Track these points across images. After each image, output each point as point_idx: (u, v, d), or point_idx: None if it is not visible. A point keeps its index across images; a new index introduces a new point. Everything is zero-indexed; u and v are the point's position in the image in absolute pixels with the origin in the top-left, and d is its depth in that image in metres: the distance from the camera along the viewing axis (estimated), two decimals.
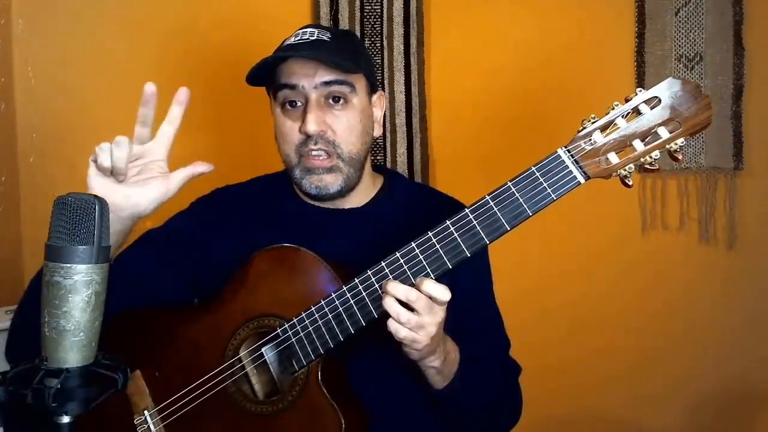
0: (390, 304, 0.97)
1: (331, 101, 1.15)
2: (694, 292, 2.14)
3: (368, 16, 2.18)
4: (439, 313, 0.99)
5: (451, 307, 1.01)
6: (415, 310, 0.97)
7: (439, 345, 1.04)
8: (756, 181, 2.10)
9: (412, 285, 0.98)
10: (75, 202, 0.74)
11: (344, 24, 2.16)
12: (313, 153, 1.15)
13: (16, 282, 2.09)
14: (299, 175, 1.18)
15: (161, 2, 2.16)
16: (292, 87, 1.15)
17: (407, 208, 1.26)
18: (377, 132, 1.25)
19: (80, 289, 0.73)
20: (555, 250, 2.15)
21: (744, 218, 2.11)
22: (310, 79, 1.13)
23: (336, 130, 1.15)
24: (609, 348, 2.18)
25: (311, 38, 1.16)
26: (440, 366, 1.06)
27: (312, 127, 1.13)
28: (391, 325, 0.98)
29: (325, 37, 1.17)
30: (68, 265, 0.72)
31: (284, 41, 1.21)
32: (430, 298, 0.97)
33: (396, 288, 0.97)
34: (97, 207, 0.74)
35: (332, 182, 1.17)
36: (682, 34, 2.09)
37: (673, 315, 2.15)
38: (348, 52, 1.17)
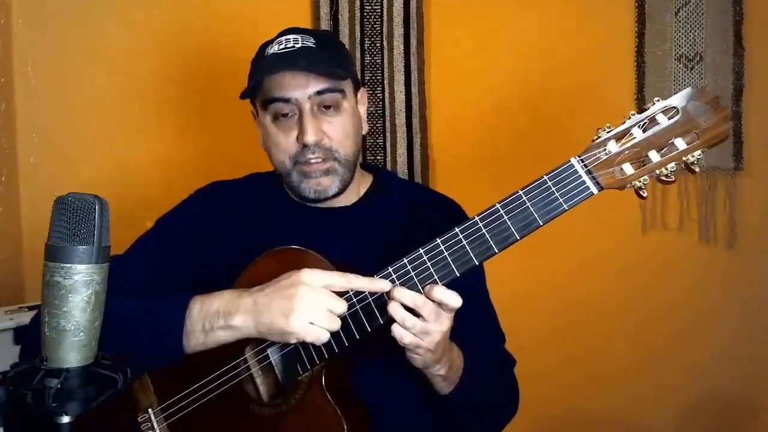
0: (395, 309, 0.97)
1: (324, 108, 1.16)
2: (694, 292, 2.14)
3: (368, 16, 2.17)
4: (445, 322, 0.98)
5: None
6: (421, 316, 0.97)
7: (444, 354, 1.03)
8: (756, 181, 2.09)
9: (419, 291, 0.98)
10: (75, 202, 0.74)
11: (344, 24, 2.16)
12: (311, 159, 1.16)
13: (16, 282, 2.09)
14: (296, 180, 1.18)
15: (161, 2, 2.16)
16: (286, 100, 1.15)
17: (398, 206, 1.27)
18: (364, 129, 1.27)
19: (80, 289, 0.73)
20: (555, 250, 2.14)
21: (744, 218, 2.11)
22: (302, 90, 1.14)
23: (332, 136, 1.16)
24: (609, 348, 2.18)
25: (296, 45, 1.15)
26: (446, 374, 1.06)
27: (311, 138, 1.13)
28: (396, 330, 0.97)
29: (309, 43, 1.16)
30: (68, 265, 0.72)
31: (266, 49, 1.19)
32: (441, 304, 0.97)
33: (402, 293, 0.97)
34: (97, 207, 0.74)
35: (329, 185, 1.18)
36: (682, 34, 2.09)
37: (673, 315, 2.15)
38: (336, 58, 1.18)
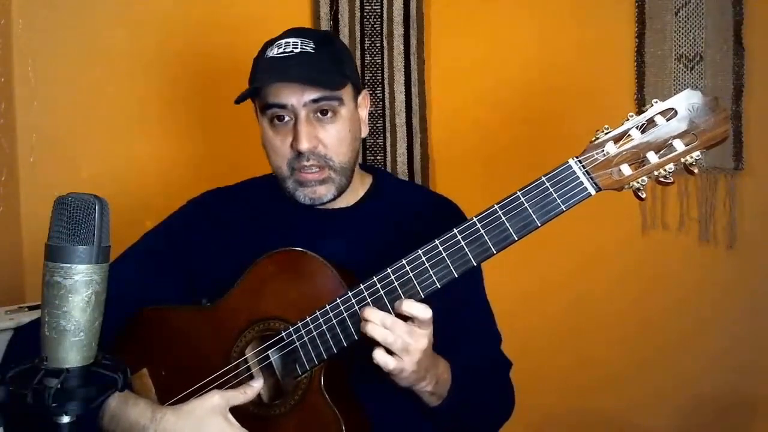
0: (372, 329, 0.97)
1: (320, 115, 1.16)
2: (694, 293, 2.14)
3: (368, 16, 2.17)
4: (421, 340, 0.98)
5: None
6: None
7: (428, 371, 1.04)
8: (756, 181, 2.09)
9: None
10: (75, 202, 0.74)
11: (344, 24, 2.16)
12: (306, 167, 1.16)
13: (16, 282, 2.09)
14: (292, 187, 1.18)
15: (161, 2, 2.16)
16: (282, 106, 1.15)
17: (396, 207, 1.27)
18: (364, 132, 1.26)
19: (80, 289, 0.73)
20: (555, 250, 2.14)
21: (744, 218, 2.11)
22: (298, 97, 1.13)
23: (327, 143, 1.16)
24: (608, 348, 2.17)
25: (295, 50, 1.14)
26: (433, 389, 1.07)
27: (305, 145, 1.13)
28: (380, 357, 0.98)
29: (309, 48, 1.15)
30: (68, 265, 0.72)
31: (266, 50, 1.19)
32: (411, 318, 0.97)
33: (372, 314, 0.98)
34: (97, 207, 0.74)
35: (325, 193, 1.18)
36: (682, 34, 2.09)
37: (673, 315, 2.15)
38: (334, 64, 1.17)
